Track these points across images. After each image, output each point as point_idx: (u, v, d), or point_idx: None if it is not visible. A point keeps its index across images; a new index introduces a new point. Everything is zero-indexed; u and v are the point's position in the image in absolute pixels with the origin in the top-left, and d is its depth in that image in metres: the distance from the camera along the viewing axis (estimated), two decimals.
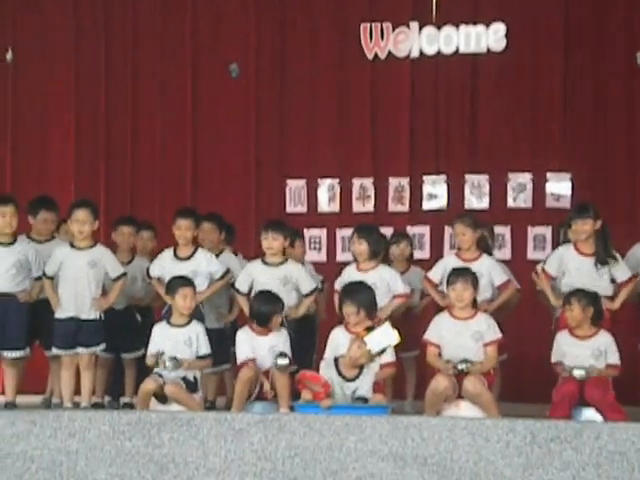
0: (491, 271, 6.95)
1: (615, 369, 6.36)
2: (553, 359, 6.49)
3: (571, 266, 6.77)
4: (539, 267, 7.03)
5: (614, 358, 6.37)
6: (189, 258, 7.20)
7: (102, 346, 7.07)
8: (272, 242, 7.00)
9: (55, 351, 7.08)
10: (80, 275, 7.00)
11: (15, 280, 6.94)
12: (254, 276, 7.05)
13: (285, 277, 6.99)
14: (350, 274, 6.98)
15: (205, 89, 9.75)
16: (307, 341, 7.21)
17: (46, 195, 7.84)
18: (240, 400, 6.46)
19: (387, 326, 6.40)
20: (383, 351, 6.34)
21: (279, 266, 7.03)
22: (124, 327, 7.34)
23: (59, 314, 7.01)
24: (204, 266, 7.17)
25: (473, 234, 6.97)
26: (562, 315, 6.69)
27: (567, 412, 6.18)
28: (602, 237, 6.74)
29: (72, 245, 7.11)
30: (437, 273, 7.01)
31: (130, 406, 7.41)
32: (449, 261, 7.03)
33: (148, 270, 7.39)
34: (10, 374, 7.00)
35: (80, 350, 7.00)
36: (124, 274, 7.17)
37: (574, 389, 6.23)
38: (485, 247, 7.25)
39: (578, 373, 6.25)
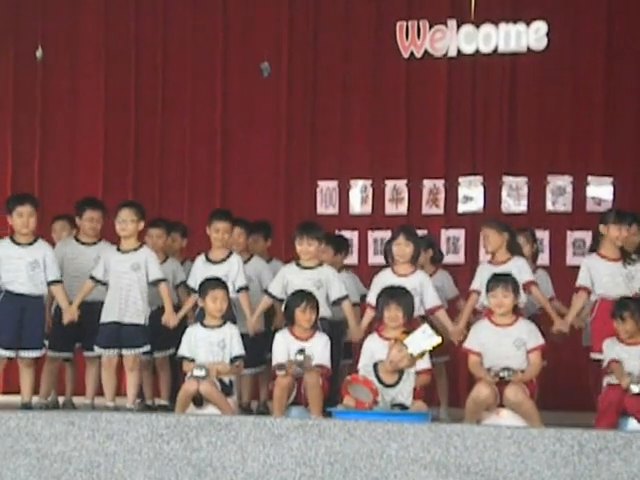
0: (520, 270, 6.80)
1: None
2: (606, 361, 6.33)
3: (601, 273, 6.67)
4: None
5: None
6: (222, 261, 7.13)
7: (146, 347, 7.05)
8: (307, 247, 6.92)
9: (97, 350, 7.05)
10: (123, 279, 7.00)
11: (33, 281, 6.88)
12: (288, 279, 6.96)
13: (319, 280, 6.89)
14: (387, 279, 6.82)
15: (236, 88, 9.68)
16: (334, 347, 7.05)
17: (92, 196, 7.90)
18: (280, 405, 6.39)
19: (426, 327, 6.32)
20: (424, 353, 6.24)
21: (314, 269, 6.95)
22: (156, 328, 7.23)
23: (103, 318, 7.00)
24: (235, 271, 7.10)
25: (498, 237, 6.86)
26: (595, 319, 6.63)
27: (614, 420, 6.08)
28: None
29: (118, 248, 7.12)
30: (477, 282, 6.86)
31: (165, 408, 7.35)
32: (484, 268, 6.91)
33: (184, 282, 7.40)
34: (27, 375, 6.95)
35: (124, 352, 6.98)
36: (163, 279, 7.11)
37: (621, 396, 6.10)
38: (515, 249, 7.09)
39: (636, 388, 6.08)
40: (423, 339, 6.22)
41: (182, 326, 7.12)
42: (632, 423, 6.11)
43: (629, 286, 6.60)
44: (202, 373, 6.42)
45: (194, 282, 7.12)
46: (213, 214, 7.31)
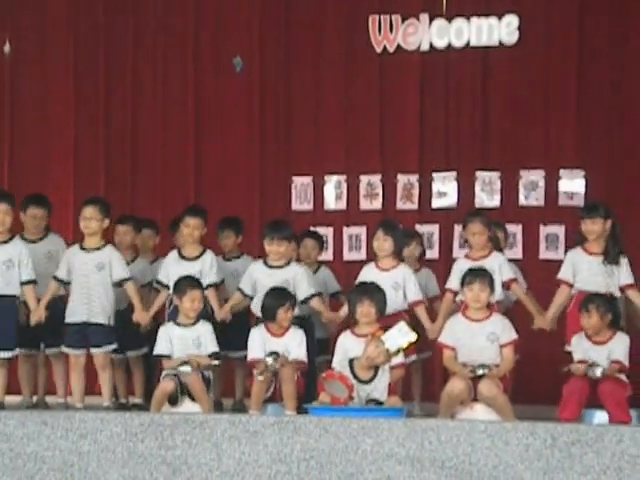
0: (501, 267, 6.85)
1: (618, 365, 6.23)
2: (576, 358, 6.36)
3: (582, 267, 6.68)
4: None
5: (621, 356, 6.25)
6: (196, 259, 7.10)
7: (113, 345, 7.00)
8: (278, 248, 6.91)
9: (65, 349, 7.02)
10: (88, 278, 6.93)
11: (6, 280, 6.81)
12: (256, 278, 6.96)
13: (286, 280, 6.88)
14: (370, 274, 6.84)
15: (208, 84, 9.61)
16: (308, 344, 7.03)
17: (37, 193, 7.73)
18: (258, 400, 6.40)
19: (403, 324, 6.31)
20: (399, 350, 6.24)
21: (282, 269, 6.94)
22: (127, 326, 7.24)
23: (69, 318, 6.94)
24: (208, 268, 7.07)
25: (487, 233, 6.90)
26: (571, 312, 6.64)
27: (577, 408, 6.12)
28: (612, 235, 6.65)
29: (81, 247, 7.03)
30: (455, 281, 6.86)
31: (139, 407, 7.33)
32: (462, 264, 6.90)
33: (155, 279, 7.33)
34: (0, 374, 6.88)
35: (93, 350, 6.94)
36: (128, 278, 7.05)
37: (583, 385, 6.15)
38: (496, 245, 7.15)
39: (593, 372, 6.15)
40: (400, 336, 6.23)
41: (155, 325, 7.10)
42: (599, 416, 6.14)
43: (608, 282, 6.60)
44: (188, 369, 6.42)
45: (166, 278, 7.10)
46: (185, 210, 7.28)
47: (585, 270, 6.66)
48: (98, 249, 6.98)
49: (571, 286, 6.75)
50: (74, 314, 6.93)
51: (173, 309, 7.02)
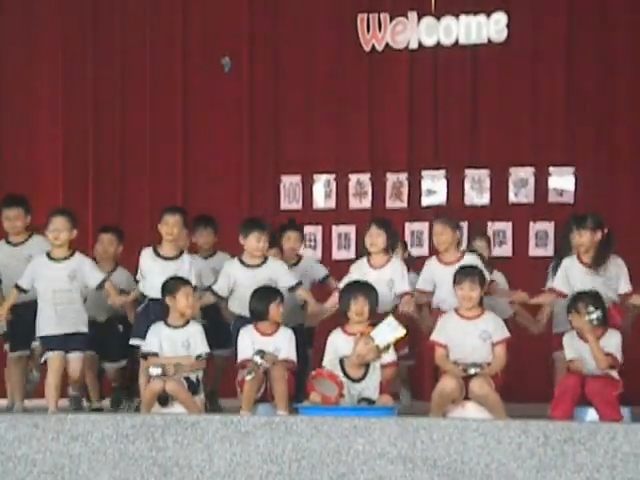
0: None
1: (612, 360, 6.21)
2: (568, 357, 6.34)
3: (576, 278, 6.51)
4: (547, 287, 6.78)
5: (614, 353, 6.21)
6: (174, 258, 6.95)
7: (92, 352, 7.03)
8: (264, 245, 6.84)
9: (46, 354, 6.82)
10: (60, 288, 6.79)
11: None
12: (235, 278, 6.88)
13: (270, 278, 6.82)
14: (363, 270, 6.80)
15: (197, 83, 9.59)
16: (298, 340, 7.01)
17: (11, 193, 7.59)
18: (249, 400, 6.35)
19: (391, 319, 6.31)
20: (389, 346, 6.23)
21: (260, 267, 6.88)
22: (107, 339, 7.25)
23: (45, 331, 6.79)
24: (187, 270, 6.91)
25: (452, 234, 6.77)
26: None
27: (570, 406, 6.08)
28: (604, 245, 6.46)
29: (49, 256, 6.88)
30: (426, 282, 6.81)
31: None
32: (432, 267, 6.82)
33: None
34: None
35: (71, 355, 6.78)
36: (105, 280, 6.93)
37: (576, 383, 6.12)
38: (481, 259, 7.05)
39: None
40: (389, 331, 6.22)
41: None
42: (591, 413, 6.10)
43: (605, 292, 6.38)
44: (158, 371, 6.36)
45: (140, 275, 6.98)
46: (164, 210, 7.13)
47: (579, 282, 6.46)
48: (67, 258, 6.86)
49: (562, 295, 6.54)
50: (52, 327, 6.77)
51: (145, 306, 6.90)
